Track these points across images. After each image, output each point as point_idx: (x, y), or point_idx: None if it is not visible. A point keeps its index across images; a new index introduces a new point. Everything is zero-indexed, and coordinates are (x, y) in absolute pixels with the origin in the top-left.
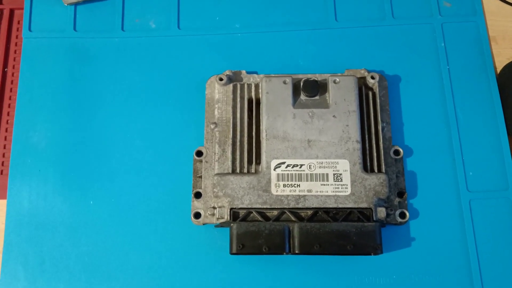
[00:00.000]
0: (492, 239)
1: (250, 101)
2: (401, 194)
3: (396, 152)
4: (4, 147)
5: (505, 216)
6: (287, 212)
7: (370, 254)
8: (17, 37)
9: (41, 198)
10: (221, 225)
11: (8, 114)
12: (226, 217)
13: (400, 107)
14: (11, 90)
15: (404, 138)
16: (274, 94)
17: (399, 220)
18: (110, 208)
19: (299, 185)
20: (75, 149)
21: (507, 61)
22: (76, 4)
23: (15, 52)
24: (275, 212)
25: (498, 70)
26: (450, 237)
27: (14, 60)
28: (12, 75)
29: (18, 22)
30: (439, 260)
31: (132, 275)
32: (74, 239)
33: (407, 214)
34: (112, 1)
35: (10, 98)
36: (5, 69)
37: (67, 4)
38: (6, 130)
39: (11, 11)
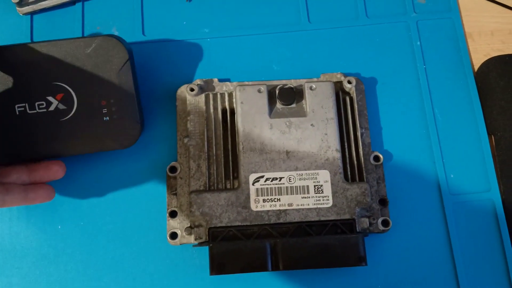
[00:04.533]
0: (476, 241)
1: (224, 111)
2: (382, 201)
3: (376, 158)
4: None
5: (488, 217)
6: (268, 228)
7: (355, 266)
8: None
9: (5, 224)
10: (200, 244)
11: None
12: (205, 237)
13: (377, 110)
14: None
15: (383, 142)
16: (249, 103)
17: (382, 228)
18: (80, 231)
19: (280, 199)
20: None
21: (484, 58)
22: (32, 13)
23: None
24: (256, 229)
25: (476, 67)
26: (434, 241)
27: None
28: None
29: None
30: (425, 265)
31: None
32: (43, 267)
33: (390, 222)
34: (71, 8)
35: None
36: None
37: (23, 14)
38: None
39: None
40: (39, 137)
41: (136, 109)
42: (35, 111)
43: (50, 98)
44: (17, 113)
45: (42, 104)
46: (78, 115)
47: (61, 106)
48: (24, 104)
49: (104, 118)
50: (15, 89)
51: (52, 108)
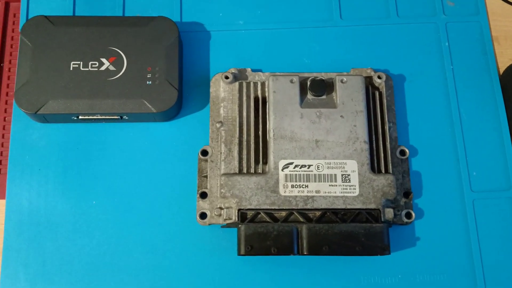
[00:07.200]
0: (494, 238)
1: (256, 99)
2: (407, 194)
3: (402, 152)
4: (2, 145)
5: (508, 215)
6: (295, 213)
7: (378, 255)
8: (13, 31)
9: (41, 198)
10: (228, 225)
11: (5, 111)
12: (234, 218)
13: (405, 106)
14: (8, 86)
15: (409, 138)
16: (281, 93)
17: (405, 220)
18: (113, 208)
19: (307, 186)
20: (76, 146)
21: (509, 62)
22: None
23: (11, 46)
24: (283, 213)
25: (501, 70)
26: (454, 236)
27: (11, 55)
28: (9, 70)
29: (14, 15)
30: (443, 259)
31: (136, 276)
32: (76, 240)
33: (413, 214)
34: None
35: (7, 95)
36: (1, 64)
37: None
38: (4, 128)
39: (6, 4)
40: (85, 91)
41: (176, 78)
42: (87, 69)
43: (103, 60)
44: (71, 68)
45: (95, 64)
46: (125, 76)
47: (111, 68)
48: (79, 62)
49: (147, 82)
50: (74, 49)
51: (103, 68)
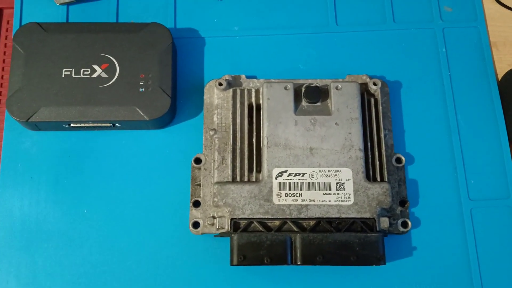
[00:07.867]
0: (493, 247)
1: (250, 107)
2: (403, 203)
3: (398, 160)
4: None
5: (506, 224)
6: (289, 222)
7: (373, 265)
8: (6, 37)
9: (33, 206)
10: (221, 235)
11: None
12: (227, 227)
13: (401, 113)
14: (0, 94)
15: (405, 145)
16: (275, 100)
17: (401, 229)
18: (105, 216)
19: (301, 195)
20: (68, 154)
21: (508, 67)
22: (68, 4)
23: (4, 53)
24: (277, 222)
25: (499, 77)
26: (451, 245)
27: (4, 62)
28: (2, 77)
29: (8, 22)
30: (441, 269)
31: (129, 285)
32: (68, 249)
33: (409, 223)
34: (107, 0)
35: None
36: None
37: (59, 4)
38: None
39: (0, 10)
40: (76, 98)
41: (169, 85)
42: (79, 76)
43: (95, 67)
44: (63, 76)
45: (87, 71)
46: (117, 84)
47: (104, 75)
48: (71, 69)
49: (140, 90)
50: (66, 56)
51: (95, 75)
